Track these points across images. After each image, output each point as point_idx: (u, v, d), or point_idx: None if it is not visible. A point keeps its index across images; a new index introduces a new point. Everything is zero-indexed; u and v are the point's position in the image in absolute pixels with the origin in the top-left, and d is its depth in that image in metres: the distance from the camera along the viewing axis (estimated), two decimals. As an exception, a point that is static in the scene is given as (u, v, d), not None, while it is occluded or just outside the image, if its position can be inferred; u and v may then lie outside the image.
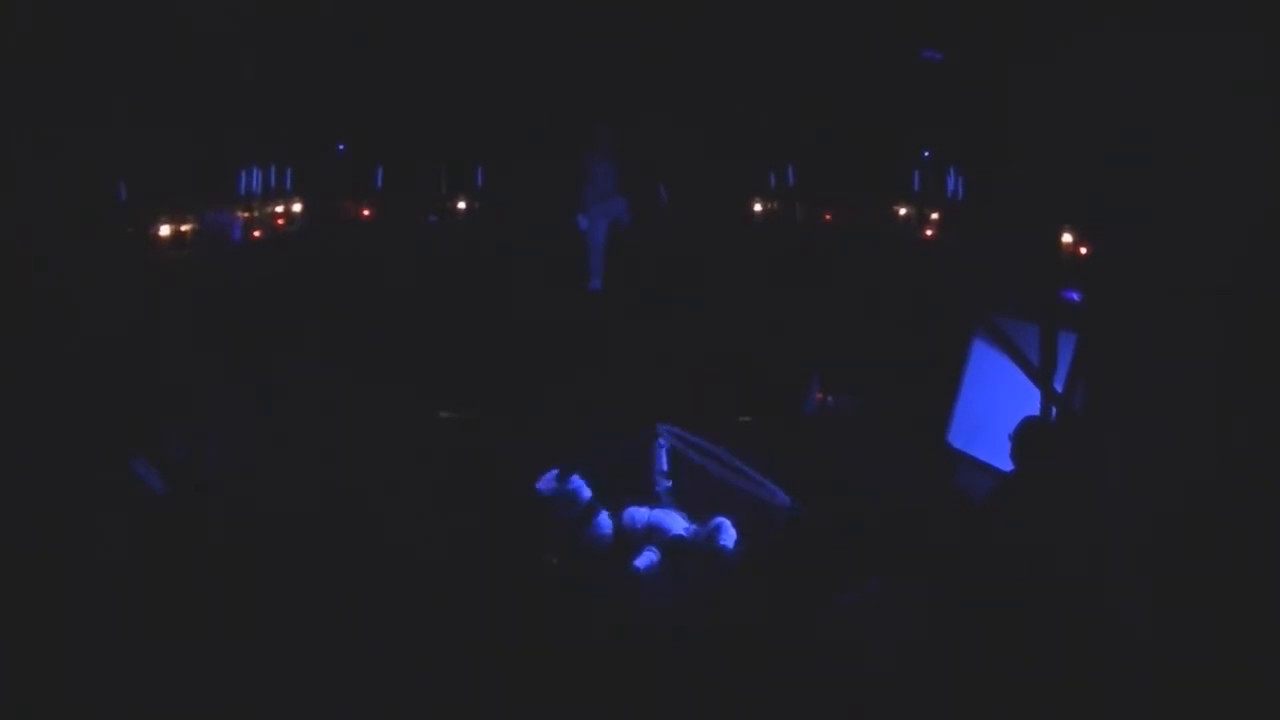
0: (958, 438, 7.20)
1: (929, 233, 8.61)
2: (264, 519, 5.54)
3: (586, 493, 6.32)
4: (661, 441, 6.36)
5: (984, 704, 4.10)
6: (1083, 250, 6.35)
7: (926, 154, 8.89)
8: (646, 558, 5.86)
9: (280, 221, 8.48)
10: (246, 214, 8.04)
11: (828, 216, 9.38)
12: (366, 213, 9.34)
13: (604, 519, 6.27)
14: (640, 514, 6.18)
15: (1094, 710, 4.00)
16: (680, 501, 6.24)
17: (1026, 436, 5.35)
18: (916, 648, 4.40)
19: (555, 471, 6.31)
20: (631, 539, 6.09)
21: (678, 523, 6.09)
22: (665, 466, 6.35)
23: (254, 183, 8.24)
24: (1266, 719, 3.91)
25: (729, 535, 5.92)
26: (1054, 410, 5.89)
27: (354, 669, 4.33)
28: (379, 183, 9.43)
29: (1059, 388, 5.98)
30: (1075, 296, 6.19)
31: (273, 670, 4.27)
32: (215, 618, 4.46)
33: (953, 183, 8.53)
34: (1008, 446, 5.40)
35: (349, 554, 5.27)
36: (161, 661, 4.15)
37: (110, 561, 4.56)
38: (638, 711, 4.33)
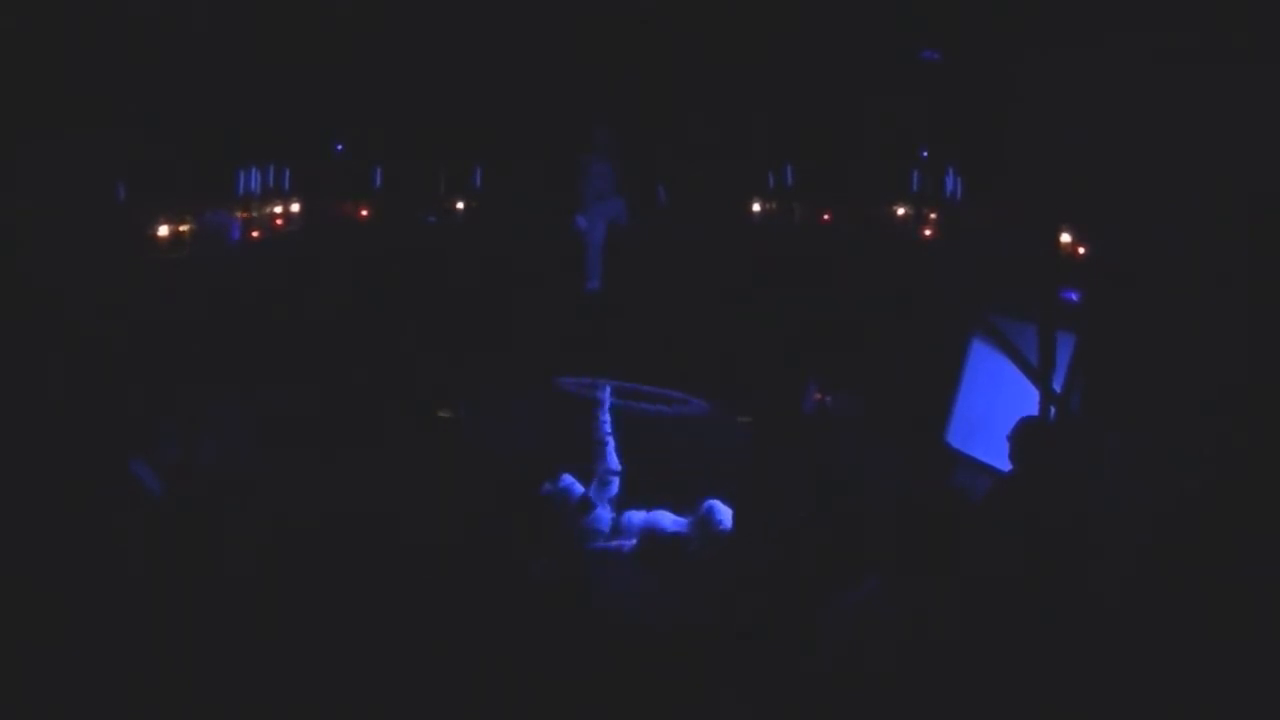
0: (956, 437, 7.21)
1: (927, 232, 8.61)
2: (262, 520, 5.54)
3: (578, 489, 6.37)
4: (603, 400, 6.75)
5: (983, 703, 4.09)
6: (1081, 250, 6.36)
7: (925, 154, 8.89)
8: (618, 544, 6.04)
9: (279, 222, 8.48)
10: (245, 214, 8.02)
11: (826, 216, 9.38)
12: (365, 213, 9.34)
13: (602, 517, 6.30)
14: (637, 516, 6.23)
15: (1092, 709, 4.00)
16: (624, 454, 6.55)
17: (1025, 436, 5.34)
18: (915, 647, 4.39)
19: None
20: (628, 537, 6.14)
21: (668, 519, 6.12)
22: (608, 425, 6.66)
23: (252, 183, 8.23)
24: (1266, 717, 3.92)
25: (723, 514, 5.97)
26: (1052, 410, 5.89)
27: (352, 668, 4.34)
28: (377, 183, 9.43)
29: (1057, 388, 5.98)
30: (1074, 296, 6.20)
31: (272, 670, 4.27)
32: (214, 618, 4.46)
33: (951, 182, 8.53)
34: (1006, 446, 5.40)
35: (347, 554, 5.28)
36: (160, 662, 4.15)
37: (108, 563, 4.55)
38: (636, 711, 4.33)
